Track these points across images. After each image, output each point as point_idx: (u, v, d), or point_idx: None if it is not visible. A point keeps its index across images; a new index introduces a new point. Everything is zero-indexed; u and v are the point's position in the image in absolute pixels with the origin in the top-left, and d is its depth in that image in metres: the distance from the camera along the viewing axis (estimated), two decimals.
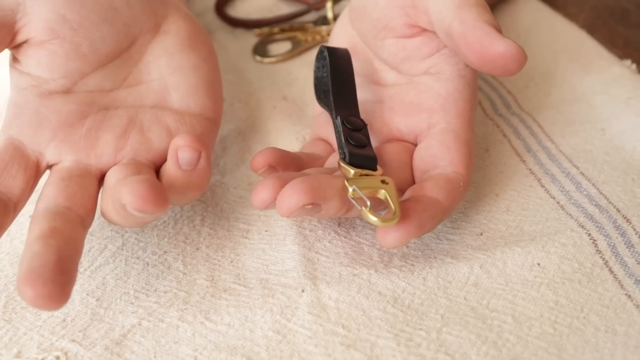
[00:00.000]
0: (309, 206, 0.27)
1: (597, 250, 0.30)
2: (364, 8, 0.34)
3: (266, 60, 0.48)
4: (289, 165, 0.31)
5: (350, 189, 0.27)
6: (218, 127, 0.35)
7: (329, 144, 0.35)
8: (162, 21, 0.34)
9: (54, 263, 0.24)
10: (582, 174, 0.34)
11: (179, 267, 0.32)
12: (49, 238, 0.25)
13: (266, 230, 0.33)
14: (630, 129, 0.37)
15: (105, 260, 0.32)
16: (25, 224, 0.34)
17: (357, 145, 0.30)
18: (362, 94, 0.35)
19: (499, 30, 0.28)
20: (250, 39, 0.51)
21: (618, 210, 0.32)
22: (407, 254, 0.31)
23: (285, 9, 0.53)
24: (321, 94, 0.34)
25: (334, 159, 0.33)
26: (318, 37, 0.49)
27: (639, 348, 0.26)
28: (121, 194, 0.25)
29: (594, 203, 0.33)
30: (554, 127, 0.38)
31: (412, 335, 0.27)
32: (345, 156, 0.29)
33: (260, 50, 0.49)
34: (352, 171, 0.29)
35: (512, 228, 0.32)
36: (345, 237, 0.32)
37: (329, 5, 0.50)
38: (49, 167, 0.31)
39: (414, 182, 0.32)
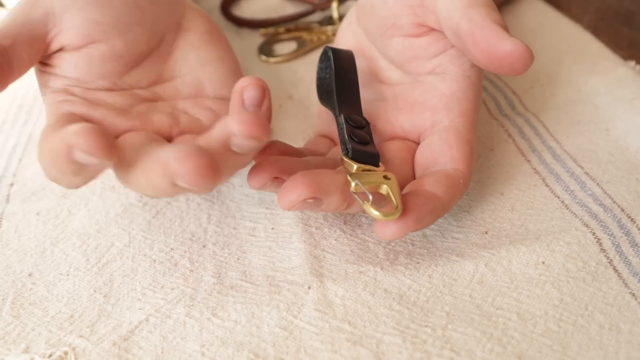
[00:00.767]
0: (310, 200, 0.27)
1: (601, 249, 0.30)
2: (372, 6, 0.34)
3: (272, 60, 0.48)
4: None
5: (353, 183, 0.28)
6: None
7: (332, 140, 0.35)
8: (182, 19, 0.34)
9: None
10: (587, 174, 0.35)
11: (186, 264, 0.32)
12: None
13: (272, 228, 0.33)
14: (634, 129, 0.37)
15: (112, 257, 0.32)
16: (32, 221, 0.35)
17: (360, 142, 0.30)
18: (367, 92, 0.35)
19: (506, 29, 0.28)
20: (256, 38, 0.51)
21: (622, 210, 0.32)
22: (413, 252, 0.31)
23: (291, 9, 0.54)
24: (324, 94, 0.35)
25: (335, 153, 0.33)
26: (323, 37, 0.49)
27: None
28: (228, 123, 0.25)
29: (599, 202, 0.33)
30: (558, 127, 0.38)
31: (417, 332, 0.27)
32: (348, 152, 0.30)
33: (265, 50, 0.49)
34: (355, 166, 0.29)
35: (517, 227, 0.32)
36: (351, 234, 0.32)
37: (334, 5, 0.50)
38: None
39: None
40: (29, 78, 0.32)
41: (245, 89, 0.27)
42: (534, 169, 0.36)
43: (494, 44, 0.28)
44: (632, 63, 0.43)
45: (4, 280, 0.32)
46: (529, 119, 0.39)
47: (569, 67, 0.43)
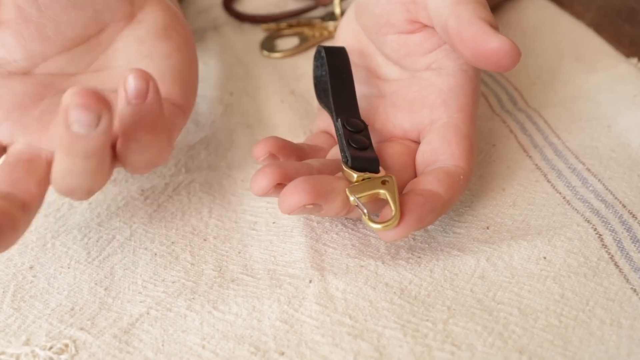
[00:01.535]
0: (310, 206, 0.27)
1: (602, 245, 0.30)
2: (367, 4, 0.34)
3: (274, 55, 0.48)
4: (291, 154, 0.31)
5: (352, 198, 0.28)
6: (186, 114, 0.33)
7: (332, 136, 0.35)
8: (138, 10, 0.33)
9: None
10: (588, 170, 0.35)
11: (187, 258, 0.32)
12: None
13: (273, 222, 0.33)
14: (636, 126, 0.37)
15: (113, 250, 0.32)
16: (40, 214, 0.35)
17: (359, 148, 0.30)
18: (366, 88, 0.35)
19: (494, 26, 0.28)
20: (258, 34, 0.51)
21: (624, 206, 0.32)
22: (414, 246, 0.31)
23: (293, 5, 0.54)
24: (321, 93, 0.35)
25: (335, 151, 0.33)
26: (325, 33, 0.49)
27: None
28: (62, 98, 0.24)
29: (600, 198, 0.33)
30: (560, 123, 0.38)
31: (418, 326, 0.27)
32: (347, 160, 0.30)
33: (267, 45, 0.49)
34: (355, 175, 0.29)
35: (519, 222, 0.32)
36: (352, 229, 0.32)
37: (336, 1, 0.50)
38: (3, 148, 0.30)
39: None
40: None
41: (126, 81, 0.26)
42: (536, 164, 0.36)
43: (481, 42, 0.28)
44: (634, 60, 0.43)
45: (4, 273, 0.32)
46: (530, 115, 0.39)
47: (571, 63, 0.43)
